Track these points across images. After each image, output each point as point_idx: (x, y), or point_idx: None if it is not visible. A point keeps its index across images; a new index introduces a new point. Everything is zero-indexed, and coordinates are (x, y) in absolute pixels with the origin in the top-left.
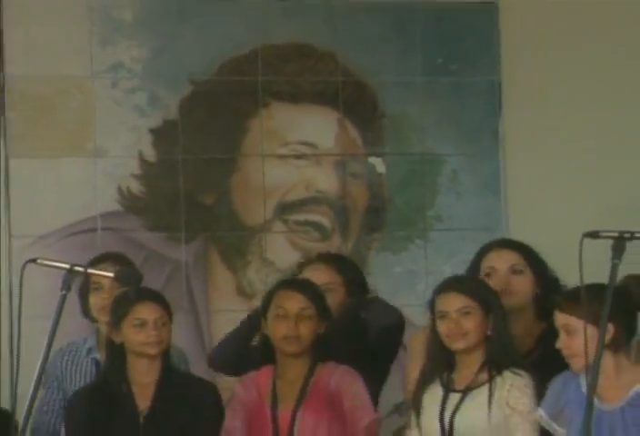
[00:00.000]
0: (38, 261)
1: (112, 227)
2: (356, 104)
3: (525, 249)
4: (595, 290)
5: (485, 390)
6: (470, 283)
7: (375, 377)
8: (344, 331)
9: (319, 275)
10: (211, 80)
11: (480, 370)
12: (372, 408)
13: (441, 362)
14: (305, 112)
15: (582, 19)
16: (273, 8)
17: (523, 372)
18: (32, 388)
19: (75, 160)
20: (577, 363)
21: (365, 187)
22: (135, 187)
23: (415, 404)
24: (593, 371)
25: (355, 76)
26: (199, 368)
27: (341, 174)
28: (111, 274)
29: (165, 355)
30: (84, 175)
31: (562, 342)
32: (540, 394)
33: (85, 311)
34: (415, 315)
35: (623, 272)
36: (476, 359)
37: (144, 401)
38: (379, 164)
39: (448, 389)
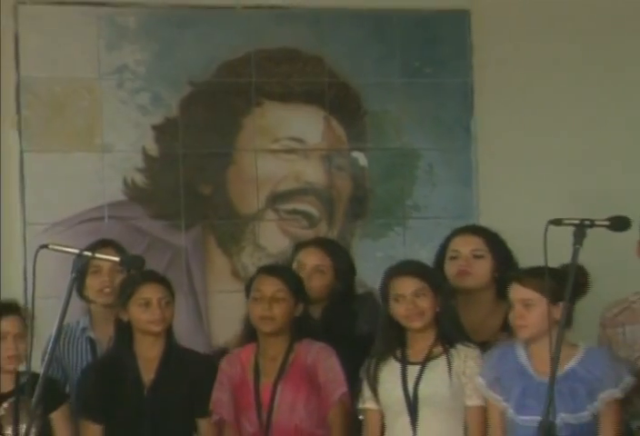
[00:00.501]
0: (50, 246)
1: (118, 216)
2: (341, 103)
3: (488, 235)
4: (554, 271)
5: (442, 361)
6: (419, 267)
7: (353, 360)
8: (334, 316)
9: (311, 257)
10: (209, 81)
11: (434, 344)
12: (344, 382)
13: (394, 340)
14: (295, 110)
15: (548, 26)
16: (265, 16)
17: (472, 345)
18: (45, 360)
19: (84, 154)
20: (525, 333)
21: (348, 179)
22: (139, 179)
23: (371, 381)
24: (557, 343)
25: (340, 78)
26: (198, 343)
27: (327, 167)
28: (117, 259)
29: (169, 332)
30: (92, 168)
31: (517, 314)
32: None
33: (81, 292)
34: None
35: (582, 256)
36: (429, 335)
37: (148, 373)
38: (362, 158)
39: (405, 362)
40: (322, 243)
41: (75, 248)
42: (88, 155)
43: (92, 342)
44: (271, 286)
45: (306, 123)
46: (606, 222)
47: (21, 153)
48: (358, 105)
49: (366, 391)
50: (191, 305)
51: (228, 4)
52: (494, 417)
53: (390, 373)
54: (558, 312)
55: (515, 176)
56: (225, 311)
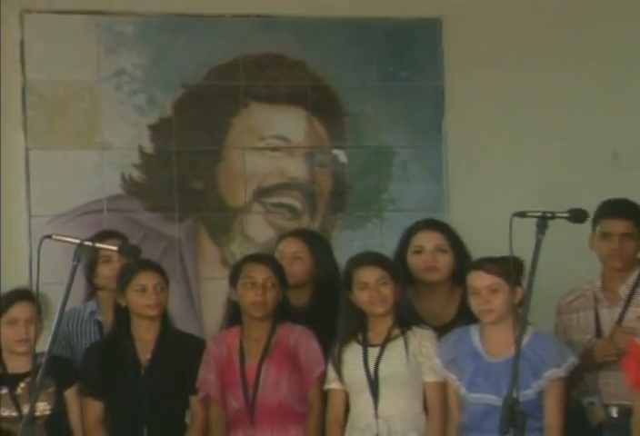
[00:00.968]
0: (53, 237)
1: (116, 208)
2: (323, 104)
3: (449, 230)
4: (508, 259)
5: (400, 342)
6: (381, 258)
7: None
8: (319, 303)
9: (289, 245)
10: (200, 84)
11: (392, 327)
12: (323, 361)
13: (356, 325)
14: (280, 111)
15: (514, 33)
16: (252, 24)
17: (427, 327)
18: (49, 341)
19: (84, 151)
20: (490, 316)
21: (329, 175)
22: (136, 174)
23: (335, 363)
24: (520, 325)
25: (322, 81)
26: (191, 326)
27: (310, 164)
28: (115, 248)
29: (164, 316)
30: (92, 164)
31: (484, 299)
32: None
33: (91, 279)
34: None
35: (545, 247)
36: (388, 319)
37: (145, 354)
38: (342, 155)
39: (366, 345)
40: (300, 233)
41: (76, 238)
42: (88, 152)
43: (99, 325)
44: (262, 274)
45: (291, 123)
46: (566, 215)
47: (26, 150)
48: (338, 107)
49: (331, 373)
50: (184, 291)
51: (218, 13)
52: (450, 394)
53: (353, 355)
54: (517, 296)
55: (483, 172)
56: (216, 296)
